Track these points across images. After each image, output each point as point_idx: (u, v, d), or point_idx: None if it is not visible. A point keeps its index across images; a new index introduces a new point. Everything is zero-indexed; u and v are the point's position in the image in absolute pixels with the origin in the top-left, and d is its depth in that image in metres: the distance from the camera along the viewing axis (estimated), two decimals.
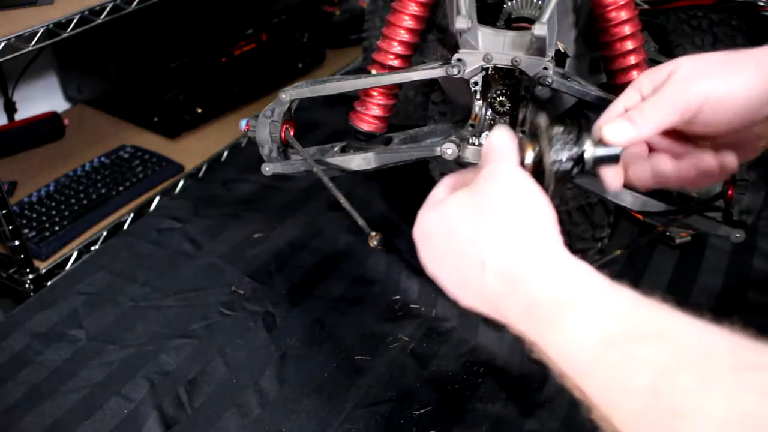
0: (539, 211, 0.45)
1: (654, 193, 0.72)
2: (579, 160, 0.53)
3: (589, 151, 0.53)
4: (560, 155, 0.52)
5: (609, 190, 0.58)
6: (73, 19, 1.04)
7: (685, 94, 0.51)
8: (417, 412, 0.80)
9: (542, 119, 0.53)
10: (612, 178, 0.55)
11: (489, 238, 0.43)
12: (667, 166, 0.56)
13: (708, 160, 0.55)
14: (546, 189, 0.51)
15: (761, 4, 1.06)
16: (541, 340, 0.39)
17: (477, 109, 0.75)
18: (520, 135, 0.55)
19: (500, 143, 0.50)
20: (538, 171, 0.52)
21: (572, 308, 0.37)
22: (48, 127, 1.40)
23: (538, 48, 0.69)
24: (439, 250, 0.47)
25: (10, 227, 1.03)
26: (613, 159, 0.53)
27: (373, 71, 0.86)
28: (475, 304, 0.45)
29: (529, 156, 0.52)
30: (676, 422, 0.31)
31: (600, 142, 0.53)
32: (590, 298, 0.38)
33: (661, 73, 0.53)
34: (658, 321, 0.36)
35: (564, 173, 0.52)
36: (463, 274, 0.44)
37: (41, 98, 1.50)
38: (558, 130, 0.53)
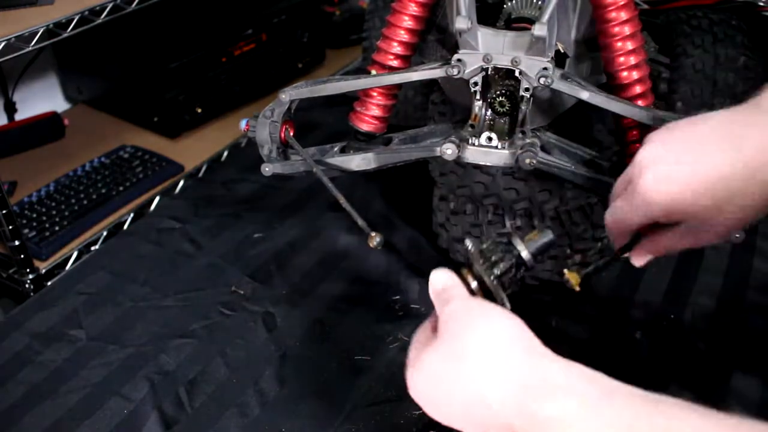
0: (506, 331, 0.46)
1: None
2: (519, 263, 0.56)
3: (523, 250, 0.56)
4: (498, 269, 0.54)
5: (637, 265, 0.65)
6: (73, 19, 1.04)
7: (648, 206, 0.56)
8: (417, 412, 0.79)
9: (469, 245, 0.56)
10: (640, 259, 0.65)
11: (480, 380, 0.45)
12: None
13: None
14: (500, 302, 0.54)
15: (761, 4, 1.06)
16: None
17: (477, 109, 0.75)
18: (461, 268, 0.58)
19: (442, 283, 0.53)
20: (486, 291, 0.55)
21: (572, 428, 0.40)
22: (48, 127, 1.40)
23: (538, 48, 0.69)
24: (441, 402, 0.48)
25: (10, 227, 1.03)
26: (550, 245, 0.57)
27: (373, 71, 0.86)
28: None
29: (473, 283, 0.55)
30: None
31: (528, 239, 0.56)
32: (586, 416, 0.40)
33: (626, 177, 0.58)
34: (654, 427, 0.38)
35: (510, 281, 0.55)
36: (471, 414, 0.45)
37: (41, 98, 1.50)
38: (487, 246, 0.56)
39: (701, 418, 0.38)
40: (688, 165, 0.53)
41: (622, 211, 0.59)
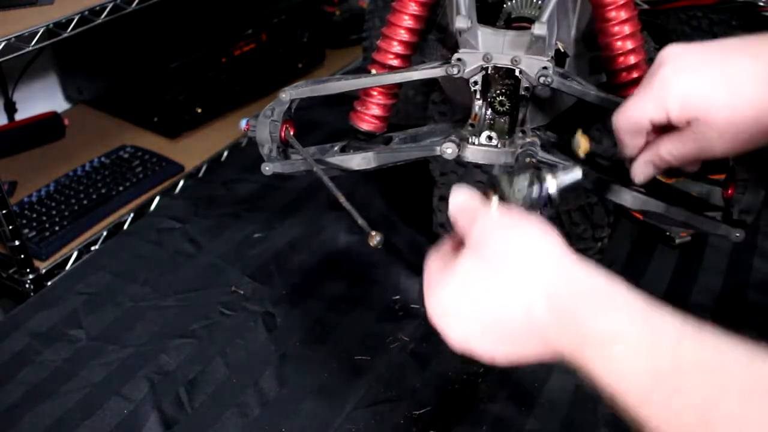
0: (548, 240, 0.45)
1: (654, 192, 0.72)
2: (544, 196, 0.54)
3: (552, 185, 0.54)
4: (523, 195, 0.53)
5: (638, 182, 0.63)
6: (73, 19, 1.04)
7: (666, 92, 0.54)
8: (417, 412, 0.80)
9: (496, 169, 0.53)
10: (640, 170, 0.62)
11: (521, 281, 0.44)
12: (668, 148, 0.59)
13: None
14: None
15: (761, 4, 1.06)
16: (591, 371, 0.40)
17: (477, 108, 0.75)
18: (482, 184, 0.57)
19: (464, 201, 0.51)
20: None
21: (622, 344, 0.39)
22: (48, 127, 1.40)
23: (538, 48, 0.69)
24: (472, 317, 0.46)
25: (10, 227, 1.03)
26: (578, 184, 0.55)
27: (373, 71, 0.86)
28: (524, 349, 0.45)
29: (494, 204, 0.53)
30: None
31: (557, 175, 0.54)
32: (636, 333, 0.39)
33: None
34: (703, 350, 0.37)
35: (533, 212, 0.53)
36: (507, 327, 0.44)
37: (41, 98, 1.50)
38: (515, 174, 0.54)
39: (738, 346, 0.37)
40: (710, 64, 0.53)
41: (635, 104, 0.57)
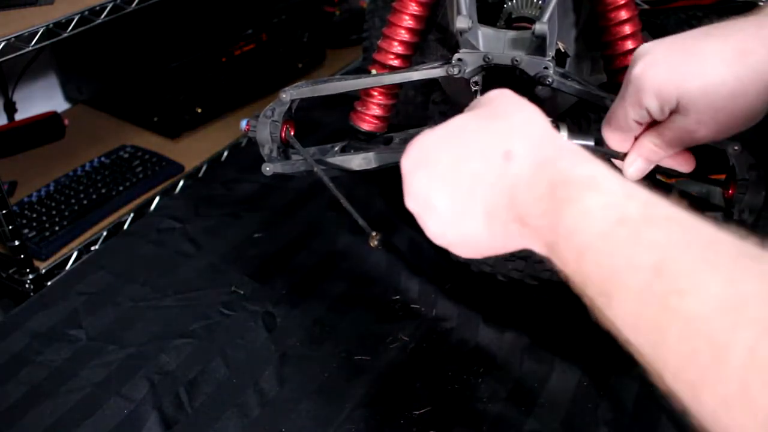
0: (543, 119, 0.46)
1: (656, 192, 0.72)
2: None
3: (564, 134, 0.60)
4: None
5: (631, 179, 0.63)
6: (73, 19, 1.04)
7: (639, 86, 0.55)
8: (417, 412, 0.79)
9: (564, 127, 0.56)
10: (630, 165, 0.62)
11: (514, 134, 0.44)
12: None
13: None
14: None
15: (761, 4, 1.06)
16: (553, 220, 0.39)
17: None
18: None
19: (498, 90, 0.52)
20: None
21: (595, 188, 0.38)
22: (48, 127, 1.40)
23: (539, 47, 0.69)
24: (446, 162, 0.46)
25: (10, 227, 1.03)
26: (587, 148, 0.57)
27: (374, 71, 0.86)
28: (478, 206, 0.45)
29: None
30: (674, 299, 0.32)
31: (574, 133, 0.59)
32: (615, 184, 0.39)
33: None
34: (674, 211, 0.37)
35: None
36: (475, 174, 0.44)
37: (41, 98, 1.50)
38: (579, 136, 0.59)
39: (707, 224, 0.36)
40: (679, 52, 0.54)
41: (615, 112, 0.59)
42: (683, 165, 0.64)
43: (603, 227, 0.36)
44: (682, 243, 0.34)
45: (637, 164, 0.62)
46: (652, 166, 0.63)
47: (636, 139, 0.62)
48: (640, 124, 0.59)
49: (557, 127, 0.59)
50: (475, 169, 0.44)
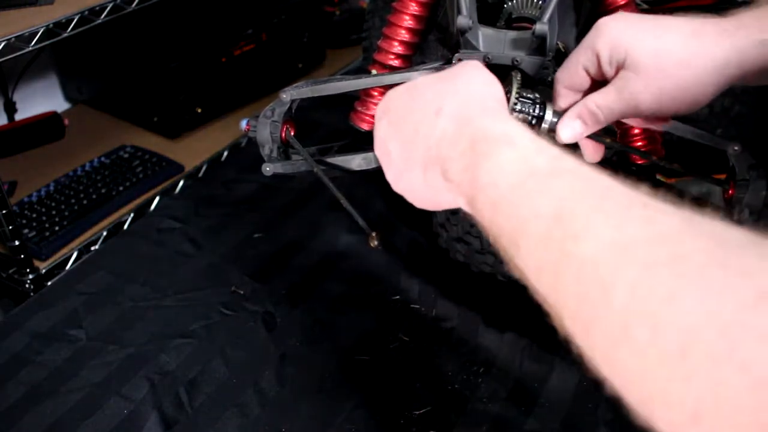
0: (495, 91, 0.51)
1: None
2: (538, 119, 0.61)
3: (549, 115, 0.61)
4: (520, 106, 0.60)
5: (589, 161, 0.64)
6: (73, 19, 1.04)
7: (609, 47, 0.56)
8: (417, 412, 0.79)
9: (517, 76, 0.63)
10: (591, 152, 0.64)
11: (449, 93, 0.49)
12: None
13: None
14: None
15: None
16: (473, 175, 0.42)
17: None
18: None
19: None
20: None
21: (510, 144, 0.42)
22: (48, 127, 1.40)
23: (539, 47, 0.69)
24: (399, 113, 0.52)
25: (10, 227, 1.03)
26: None
27: (374, 71, 0.86)
28: (417, 157, 0.49)
29: None
30: (570, 244, 0.34)
31: (558, 112, 0.61)
32: (528, 141, 0.42)
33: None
34: (578, 164, 0.39)
35: (521, 121, 0.58)
36: (416, 127, 0.49)
37: (41, 98, 1.50)
38: (527, 90, 0.62)
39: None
40: (645, 19, 0.56)
41: (571, 55, 0.60)
42: (652, 125, 0.63)
43: (514, 180, 0.39)
44: (581, 193, 0.36)
45: (573, 125, 0.60)
46: (588, 131, 0.60)
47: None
48: (588, 75, 0.59)
49: (509, 90, 0.62)
50: (416, 121, 0.49)
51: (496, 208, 0.40)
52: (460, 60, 0.72)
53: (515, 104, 0.61)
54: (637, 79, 0.55)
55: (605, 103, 0.57)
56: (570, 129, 0.60)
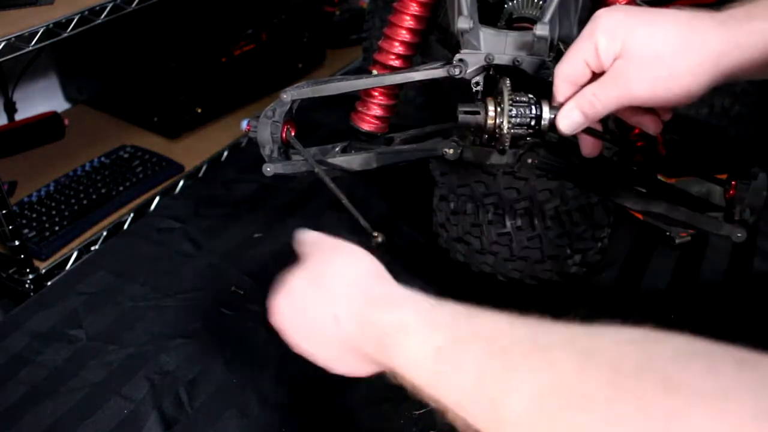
0: (362, 263, 0.54)
1: (656, 193, 0.73)
2: (536, 119, 0.62)
3: (546, 113, 0.61)
4: (518, 112, 0.61)
5: (586, 155, 0.66)
6: (73, 19, 1.04)
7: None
8: (417, 412, 0.79)
9: (506, 82, 0.62)
10: (589, 148, 0.66)
11: (331, 296, 0.52)
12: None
13: None
14: (503, 142, 0.63)
15: None
16: (395, 366, 0.46)
17: None
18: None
19: (311, 237, 0.61)
20: (496, 126, 0.62)
21: (407, 334, 0.45)
22: (48, 127, 1.40)
23: (540, 48, 0.69)
24: (298, 325, 0.55)
25: (10, 227, 1.03)
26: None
27: (375, 71, 0.86)
28: (341, 358, 0.53)
29: (490, 110, 0.62)
30: (499, 406, 0.37)
31: (555, 106, 0.61)
32: (421, 324, 0.45)
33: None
34: (475, 326, 0.43)
35: (521, 127, 0.62)
36: (323, 335, 0.52)
37: (41, 98, 1.50)
38: (519, 94, 0.62)
39: (507, 317, 0.43)
40: (642, 10, 0.57)
41: (570, 49, 0.60)
42: (649, 125, 0.63)
43: (428, 367, 0.43)
44: (485, 358, 0.40)
45: (573, 115, 0.60)
46: (587, 123, 0.60)
47: None
48: (588, 67, 0.59)
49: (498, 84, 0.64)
50: (320, 330, 0.52)
51: (426, 391, 0.43)
52: (461, 60, 0.72)
53: (510, 112, 0.62)
54: (632, 67, 0.55)
55: (601, 90, 0.58)
56: (568, 120, 0.60)
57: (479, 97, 0.75)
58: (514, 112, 0.62)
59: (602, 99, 0.58)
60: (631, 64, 0.55)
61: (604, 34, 0.56)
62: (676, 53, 0.54)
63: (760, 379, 0.30)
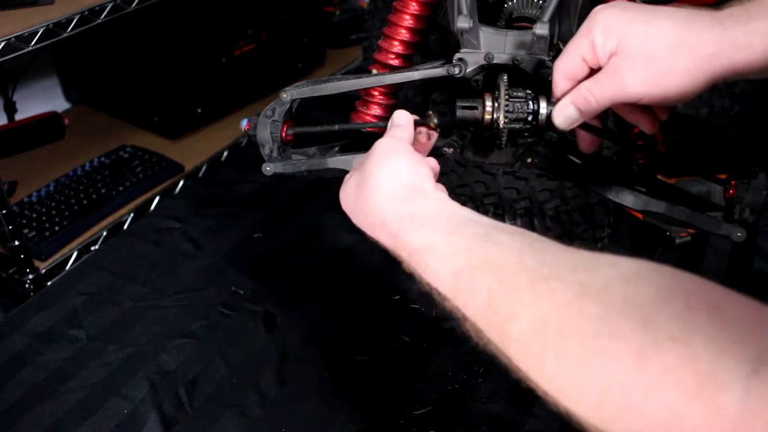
0: (403, 174, 0.56)
1: (656, 192, 0.72)
2: (533, 115, 0.62)
3: (543, 108, 0.62)
4: (515, 107, 0.62)
5: (584, 151, 0.68)
6: (73, 19, 1.04)
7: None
8: (417, 412, 0.79)
9: (503, 78, 0.63)
10: (587, 143, 0.67)
11: (370, 207, 0.56)
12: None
13: None
14: (500, 136, 0.64)
15: None
16: (424, 277, 0.50)
17: None
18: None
19: (397, 120, 0.64)
20: (493, 121, 0.63)
21: (431, 253, 0.49)
22: (48, 127, 1.40)
23: (540, 47, 0.69)
24: (355, 216, 0.60)
25: (10, 227, 1.03)
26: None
27: (374, 71, 0.86)
28: (387, 246, 0.56)
29: (488, 105, 0.63)
30: (506, 325, 0.42)
31: (553, 102, 0.61)
32: (441, 245, 0.49)
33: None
34: (489, 252, 0.46)
35: (518, 122, 0.63)
36: (371, 231, 0.57)
37: (41, 98, 1.50)
38: (516, 90, 0.63)
39: (518, 241, 0.46)
40: (639, 7, 0.57)
41: (569, 45, 0.60)
42: (645, 124, 0.64)
43: (449, 282, 0.48)
44: (497, 281, 0.44)
45: (568, 110, 0.60)
46: (583, 118, 0.61)
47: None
48: (585, 63, 0.59)
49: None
50: (369, 227, 0.57)
51: (446, 301, 0.48)
52: (460, 59, 0.72)
53: (507, 107, 0.62)
54: (626, 64, 0.56)
55: (596, 86, 0.58)
56: (564, 115, 0.61)
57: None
58: (510, 107, 0.63)
59: (596, 95, 0.58)
60: (626, 61, 0.56)
61: (601, 31, 0.57)
62: (672, 52, 0.54)
63: (725, 326, 0.34)
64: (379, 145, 0.60)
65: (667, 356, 0.33)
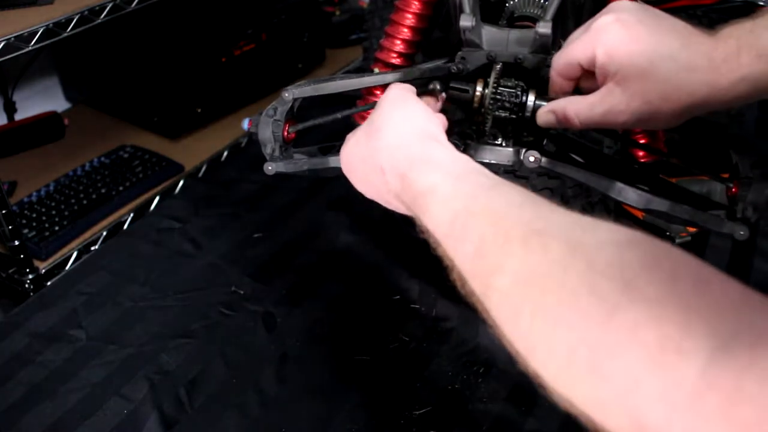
0: (414, 120, 0.57)
1: (658, 190, 0.72)
2: (520, 106, 0.64)
3: (531, 102, 0.64)
4: (502, 95, 0.64)
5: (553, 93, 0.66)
6: (73, 19, 1.04)
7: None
8: (417, 412, 0.79)
9: (496, 67, 0.65)
10: (556, 86, 0.65)
11: (380, 150, 0.56)
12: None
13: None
14: (485, 122, 0.65)
15: (761, 3, 1.06)
16: (423, 220, 0.51)
17: None
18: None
19: (395, 86, 0.63)
20: (480, 106, 0.65)
21: (434, 195, 0.50)
22: (48, 127, 1.40)
23: (542, 45, 0.69)
24: (356, 170, 0.61)
25: (10, 227, 1.03)
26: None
27: (376, 69, 0.86)
28: (389, 202, 0.58)
29: (478, 89, 0.65)
30: (490, 276, 0.42)
31: (542, 96, 0.63)
32: (445, 187, 0.50)
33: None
34: (491, 201, 0.47)
35: (504, 111, 0.65)
36: (373, 182, 0.58)
37: (41, 98, 1.50)
38: (508, 79, 0.65)
39: (521, 196, 0.46)
40: (646, 17, 0.57)
41: (570, 44, 0.60)
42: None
43: (445, 228, 0.48)
44: (490, 231, 0.44)
45: (549, 118, 0.63)
46: (562, 126, 0.63)
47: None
48: (582, 68, 0.60)
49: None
50: (370, 179, 0.59)
51: (439, 244, 0.49)
52: (462, 58, 0.72)
53: (494, 93, 0.64)
54: (623, 99, 0.57)
55: (585, 111, 0.60)
56: (545, 119, 0.64)
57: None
58: (498, 94, 0.64)
59: (583, 120, 0.60)
60: (623, 96, 0.57)
61: (605, 53, 0.57)
62: (666, 100, 0.55)
63: (706, 299, 0.33)
64: (391, 93, 0.60)
65: (637, 314, 0.33)
